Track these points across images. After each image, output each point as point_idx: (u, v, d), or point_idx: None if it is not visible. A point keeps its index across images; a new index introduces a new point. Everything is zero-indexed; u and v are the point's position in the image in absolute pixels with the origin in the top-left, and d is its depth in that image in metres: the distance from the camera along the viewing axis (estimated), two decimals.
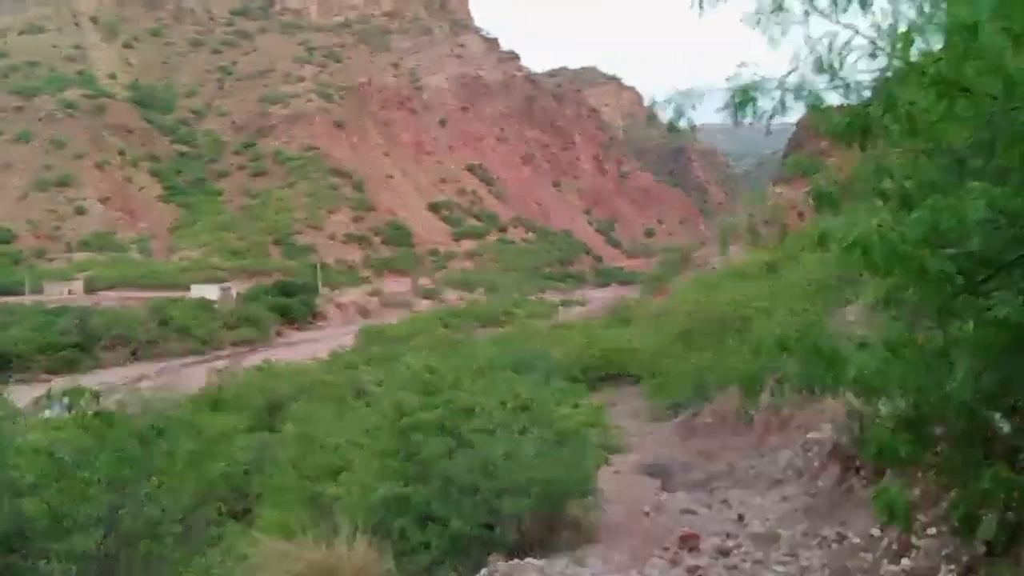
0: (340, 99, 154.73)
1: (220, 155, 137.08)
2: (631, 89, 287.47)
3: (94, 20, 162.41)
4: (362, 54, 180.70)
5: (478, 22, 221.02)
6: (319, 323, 69.27)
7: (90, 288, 69.99)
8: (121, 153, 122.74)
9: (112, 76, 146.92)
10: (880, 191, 4.48)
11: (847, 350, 3.99)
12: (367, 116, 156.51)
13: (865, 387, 4.03)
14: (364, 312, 74.11)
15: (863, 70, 4.48)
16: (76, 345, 51.00)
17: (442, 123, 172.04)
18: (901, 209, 4.00)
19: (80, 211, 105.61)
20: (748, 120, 4.23)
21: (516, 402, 15.45)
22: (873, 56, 4.41)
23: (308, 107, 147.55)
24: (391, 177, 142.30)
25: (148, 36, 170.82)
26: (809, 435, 9.50)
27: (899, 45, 4.07)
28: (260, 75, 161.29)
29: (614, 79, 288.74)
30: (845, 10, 4.20)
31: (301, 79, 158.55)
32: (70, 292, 67.06)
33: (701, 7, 4.21)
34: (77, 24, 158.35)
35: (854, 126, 4.31)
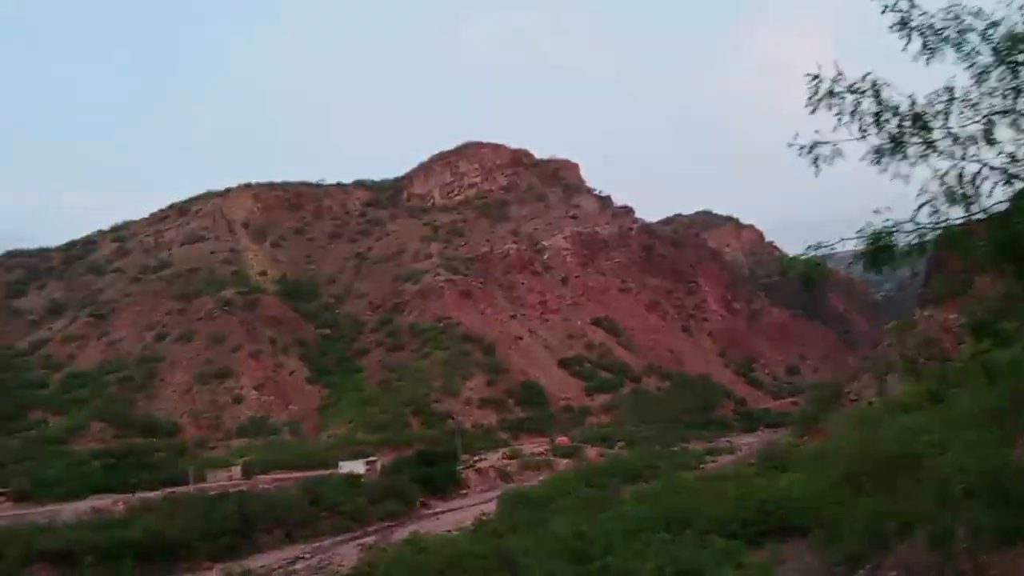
0: (466, 270, 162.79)
1: (360, 334, 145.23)
2: (749, 227, 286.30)
3: (245, 226, 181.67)
4: (483, 226, 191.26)
5: (590, 184, 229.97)
6: (461, 490, 69.00)
7: (248, 473, 73.49)
8: (272, 342, 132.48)
9: (263, 273, 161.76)
10: None
11: None
12: (492, 283, 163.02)
13: None
14: (504, 475, 73.28)
15: (999, 198, 4.37)
16: (235, 530, 52.67)
17: (564, 281, 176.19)
18: None
19: (237, 399, 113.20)
20: (885, 269, 4.19)
21: (674, 567, 14.61)
22: (1008, 183, 4.32)
23: (437, 281, 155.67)
24: (520, 338, 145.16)
25: (292, 234, 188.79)
26: None
27: None
28: (392, 257, 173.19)
29: (730, 219, 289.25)
30: (973, 144, 4.17)
31: (429, 256, 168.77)
32: (230, 478, 70.61)
33: (817, 166, 4.33)
34: (231, 231, 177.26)
35: (1002, 251, 4.15)
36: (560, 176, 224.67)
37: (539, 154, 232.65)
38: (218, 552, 49.24)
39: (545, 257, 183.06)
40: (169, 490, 60.53)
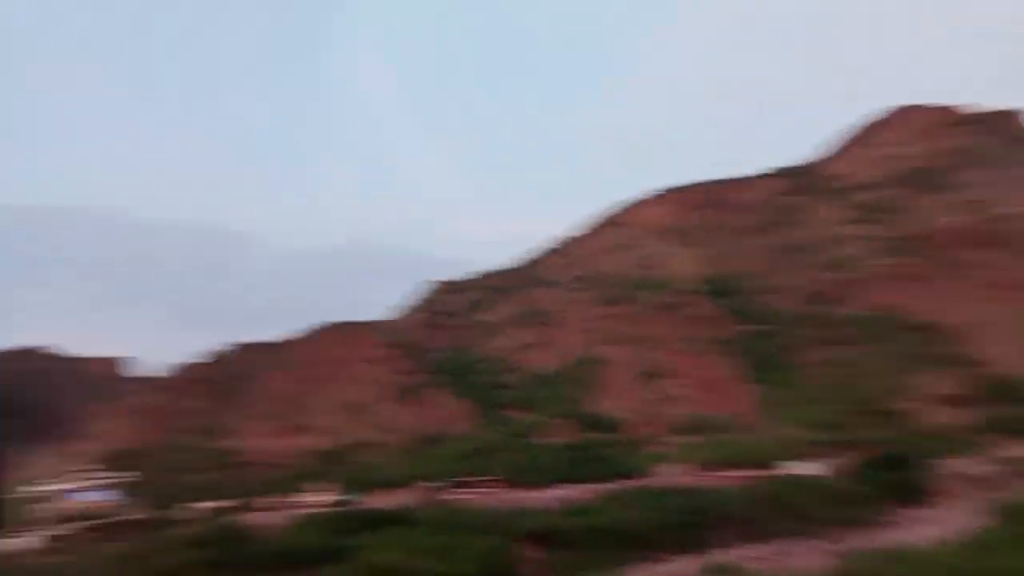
0: (904, 251, 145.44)
1: (789, 328, 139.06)
2: None
3: (663, 230, 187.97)
4: (919, 200, 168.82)
5: None
6: (931, 498, 61.03)
7: (691, 469, 75.21)
8: (701, 340, 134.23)
9: (685, 274, 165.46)
10: None
11: None
12: (937, 263, 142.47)
13: None
14: (987, 484, 62.89)
15: None
16: (687, 523, 54.01)
17: None
18: None
19: (673, 397, 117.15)
20: None
21: None
22: None
23: (871, 265, 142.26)
24: (985, 325, 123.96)
25: (707, 233, 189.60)
26: None
27: None
28: (814, 243, 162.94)
29: None
30: None
31: (859, 238, 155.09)
32: (674, 474, 73.00)
33: None
34: (650, 236, 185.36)
35: None
36: (1014, 129, 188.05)
37: (980, 108, 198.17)
38: (668, 544, 50.89)
39: (1007, 227, 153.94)
40: (622, 482, 64.72)
